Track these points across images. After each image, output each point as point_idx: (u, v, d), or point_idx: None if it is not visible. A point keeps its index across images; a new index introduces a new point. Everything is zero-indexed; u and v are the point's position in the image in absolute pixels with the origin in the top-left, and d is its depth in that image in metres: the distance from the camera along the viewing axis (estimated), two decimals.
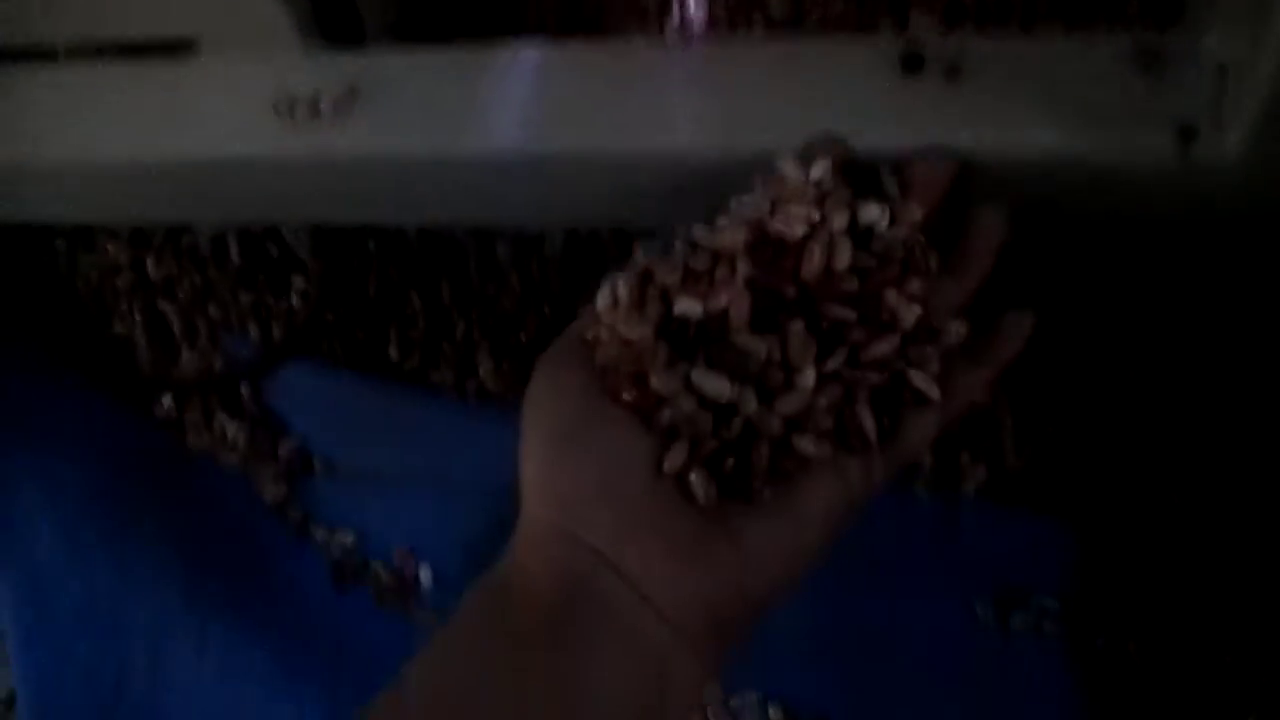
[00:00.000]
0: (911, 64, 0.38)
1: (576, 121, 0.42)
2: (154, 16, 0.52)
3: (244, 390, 0.67)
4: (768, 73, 0.40)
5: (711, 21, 0.59)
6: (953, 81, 0.38)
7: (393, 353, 0.63)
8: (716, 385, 0.35)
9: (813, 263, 0.36)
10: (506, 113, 0.43)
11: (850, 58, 0.39)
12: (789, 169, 0.38)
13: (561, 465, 0.35)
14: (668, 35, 0.58)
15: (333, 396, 0.64)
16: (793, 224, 0.36)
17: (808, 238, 0.36)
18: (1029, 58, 0.38)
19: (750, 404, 0.35)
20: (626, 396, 0.36)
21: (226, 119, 0.48)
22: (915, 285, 0.37)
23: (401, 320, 0.63)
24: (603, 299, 0.38)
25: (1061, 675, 0.48)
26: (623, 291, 0.37)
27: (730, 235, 0.37)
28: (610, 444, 0.35)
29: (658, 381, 0.35)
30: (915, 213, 0.37)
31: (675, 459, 0.35)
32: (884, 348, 0.36)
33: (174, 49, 0.52)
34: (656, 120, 0.41)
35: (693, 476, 0.35)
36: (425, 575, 0.58)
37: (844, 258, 0.36)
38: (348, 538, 0.60)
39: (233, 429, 0.66)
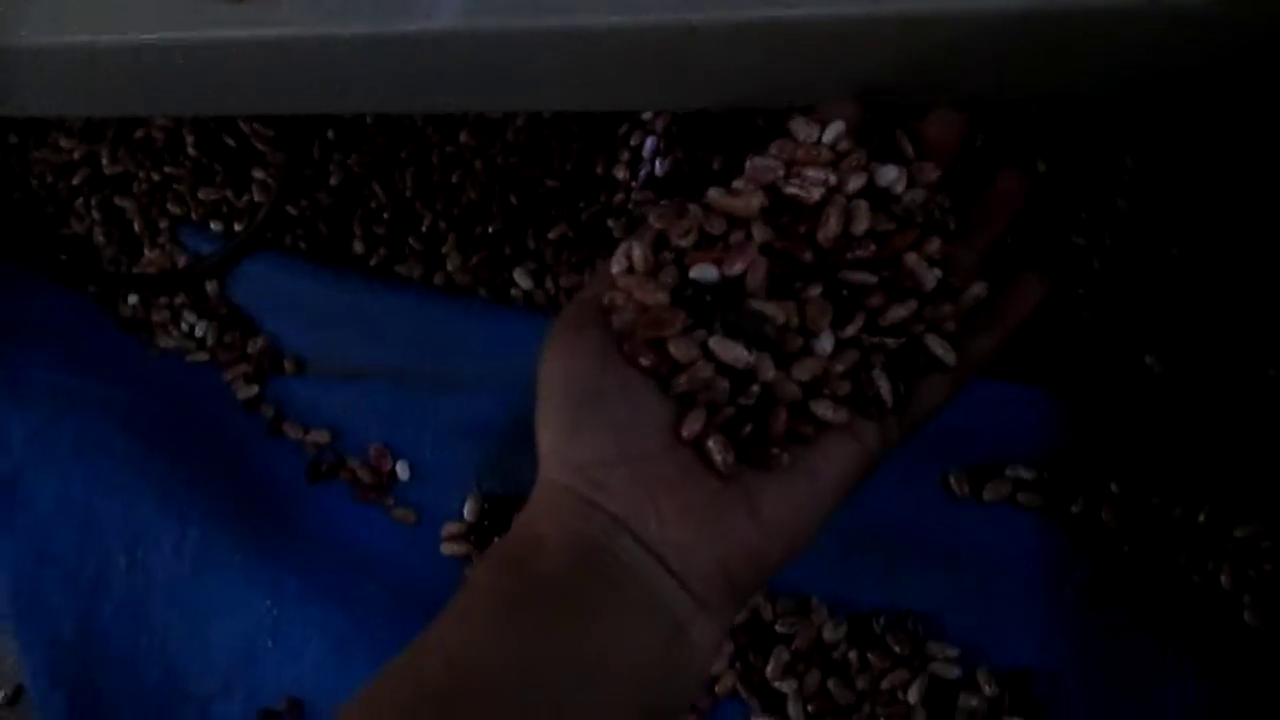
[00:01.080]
0: None
1: None
2: None
3: (210, 288, 0.65)
4: None
5: None
6: None
7: (358, 246, 0.61)
8: (734, 352, 0.35)
9: (830, 227, 0.36)
10: None
11: None
12: (802, 130, 0.38)
13: (578, 431, 0.35)
14: None
15: (300, 292, 0.62)
16: (809, 187, 0.36)
17: (824, 201, 0.36)
18: None
19: (768, 370, 0.35)
20: (644, 361, 0.36)
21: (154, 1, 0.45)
22: (934, 247, 0.36)
23: (366, 213, 0.61)
24: (618, 263, 0.38)
25: (1033, 545, 0.49)
26: (638, 256, 0.37)
27: (745, 199, 0.37)
28: (627, 409, 0.35)
29: (675, 348, 0.35)
30: (931, 172, 0.37)
31: (693, 425, 0.35)
32: (902, 312, 0.36)
33: None
34: None
35: (710, 442, 0.35)
36: (402, 469, 0.58)
37: (862, 222, 0.36)
38: (322, 436, 0.60)
39: (201, 327, 0.65)
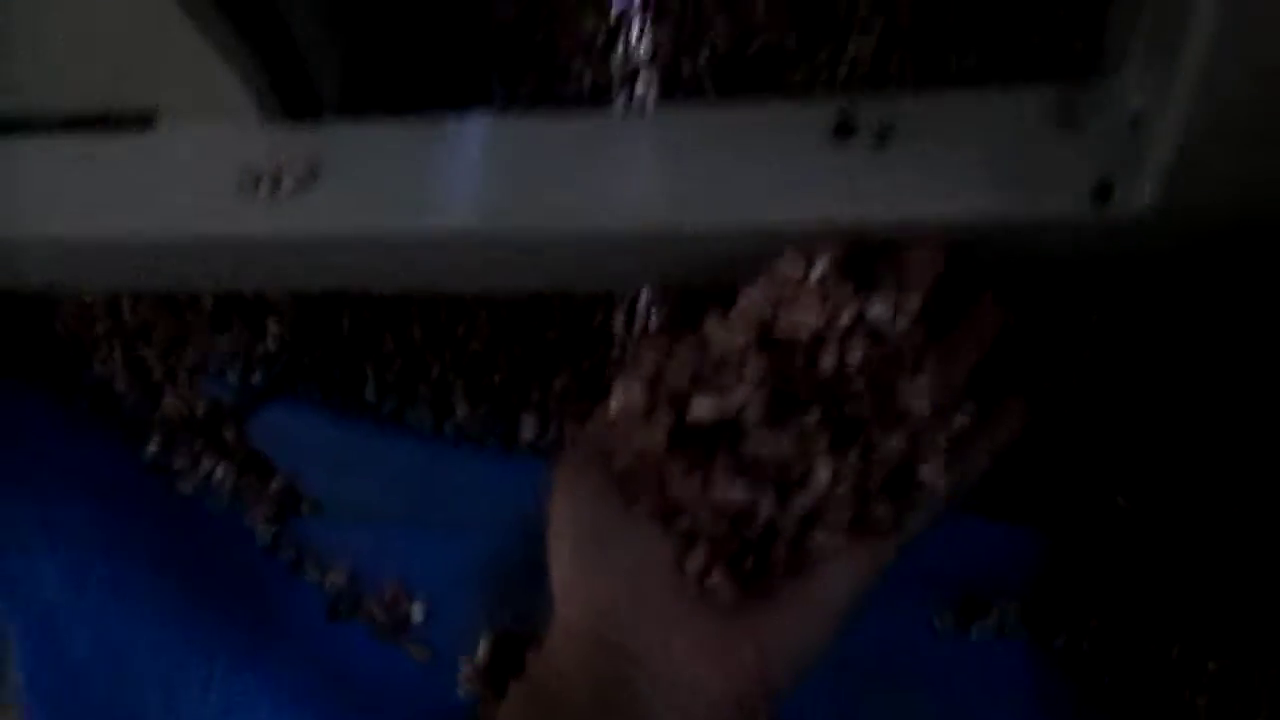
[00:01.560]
0: (843, 130, 0.40)
1: (527, 198, 0.43)
2: (112, 89, 0.53)
3: (228, 432, 0.68)
4: (705, 144, 0.41)
5: (657, 52, 0.61)
6: (882, 146, 0.40)
7: (370, 394, 0.64)
8: (734, 491, 0.36)
9: (826, 361, 0.37)
10: (462, 188, 0.45)
11: (784, 125, 0.41)
12: (790, 266, 0.38)
13: (587, 572, 0.38)
14: (614, 75, 0.60)
15: (316, 436, 0.66)
16: (800, 326, 0.37)
17: (818, 337, 0.37)
18: (956, 118, 0.40)
19: (767, 506, 0.36)
20: (646, 503, 0.37)
21: (189, 196, 0.49)
22: (924, 377, 0.37)
23: (377, 362, 0.65)
24: (615, 404, 0.39)
25: (1023, 678, 0.51)
26: (634, 397, 0.38)
27: (737, 335, 0.38)
28: (633, 549, 0.37)
29: (676, 489, 0.37)
30: (915, 301, 0.38)
31: (696, 561, 0.36)
32: (896, 441, 0.37)
33: (133, 122, 0.53)
34: (603, 195, 0.42)
35: (714, 577, 0.36)
36: (418, 610, 0.61)
37: (856, 355, 0.37)
38: (340, 575, 0.63)
39: (220, 471, 0.68)
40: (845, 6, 0.57)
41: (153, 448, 0.70)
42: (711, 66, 0.59)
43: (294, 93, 0.50)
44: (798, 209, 0.39)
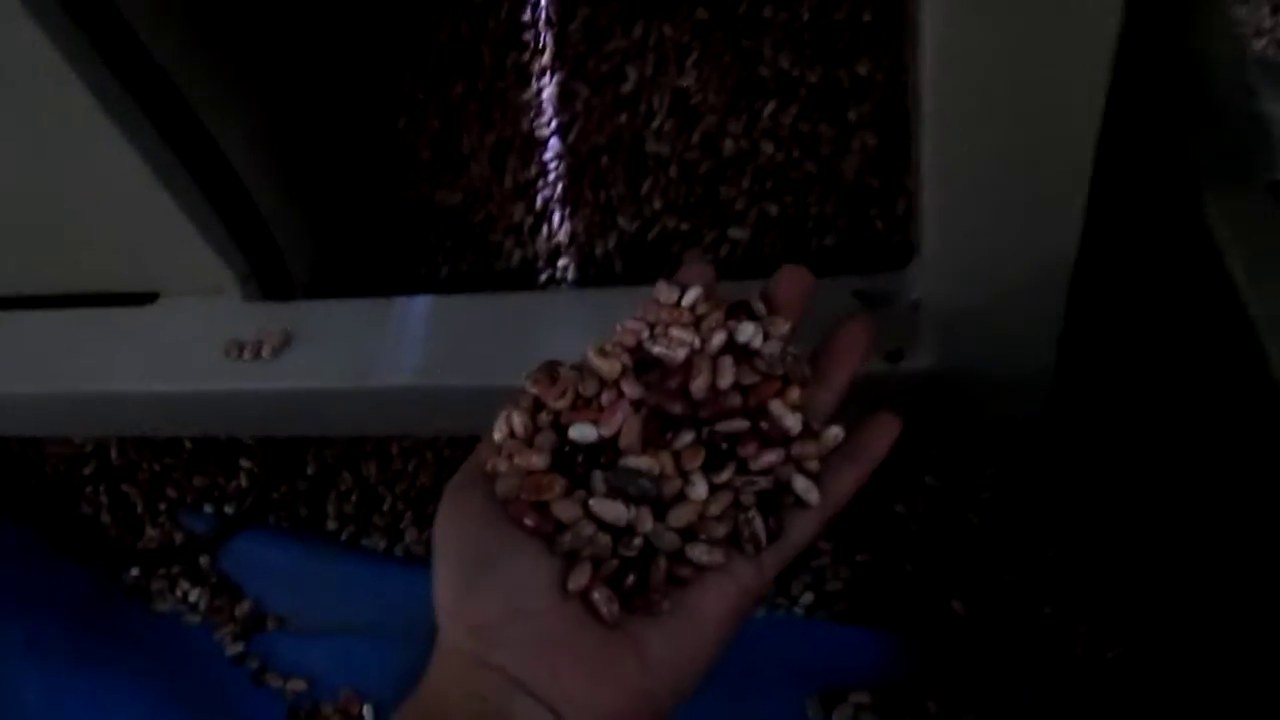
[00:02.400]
0: None
1: (464, 360, 0.55)
2: (122, 273, 0.64)
3: (202, 560, 0.78)
4: (600, 316, 0.53)
5: (574, 236, 0.74)
6: None
7: (330, 524, 0.74)
8: (614, 510, 0.37)
9: (700, 381, 0.39)
10: (409, 352, 0.56)
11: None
12: (664, 294, 0.42)
13: (471, 592, 0.37)
14: (540, 254, 0.73)
15: (281, 562, 0.75)
16: (674, 347, 0.40)
17: (690, 359, 0.39)
18: None
19: (646, 524, 0.38)
20: (528, 523, 0.38)
21: (183, 359, 0.60)
22: (795, 394, 0.40)
23: (337, 495, 0.75)
24: (499, 430, 0.40)
25: None
26: (517, 422, 0.40)
27: (614, 361, 0.40)
28: (516, 569, 0.37)
29: (557, 509, 0.38)
30: (783, 326, 0.41)
31: (578, 580, 0.37)
32: (771, 457, 0.38)
33: (137, 299, 0.65)
34: (519, 360, 0.54)
35: (596, 595, 0.37)
36: (368, 712, 0.69)
37: (727, 376, 0.39)
38: (300, 684, 0.71)
39: (194, 594, 0.77)
40: (726, 201, 0.71)
41: (133, 573, 0.79)
42: (619, 247, 0.72)
43: (272, 278, 0.62)
44: None
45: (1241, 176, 0.41)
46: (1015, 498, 0.64)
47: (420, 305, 0.58)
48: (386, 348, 0.56)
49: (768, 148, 0.72)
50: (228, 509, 0.78)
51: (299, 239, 0.65)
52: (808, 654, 0.51)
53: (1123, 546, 0.60)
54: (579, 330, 0.54)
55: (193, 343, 0.60)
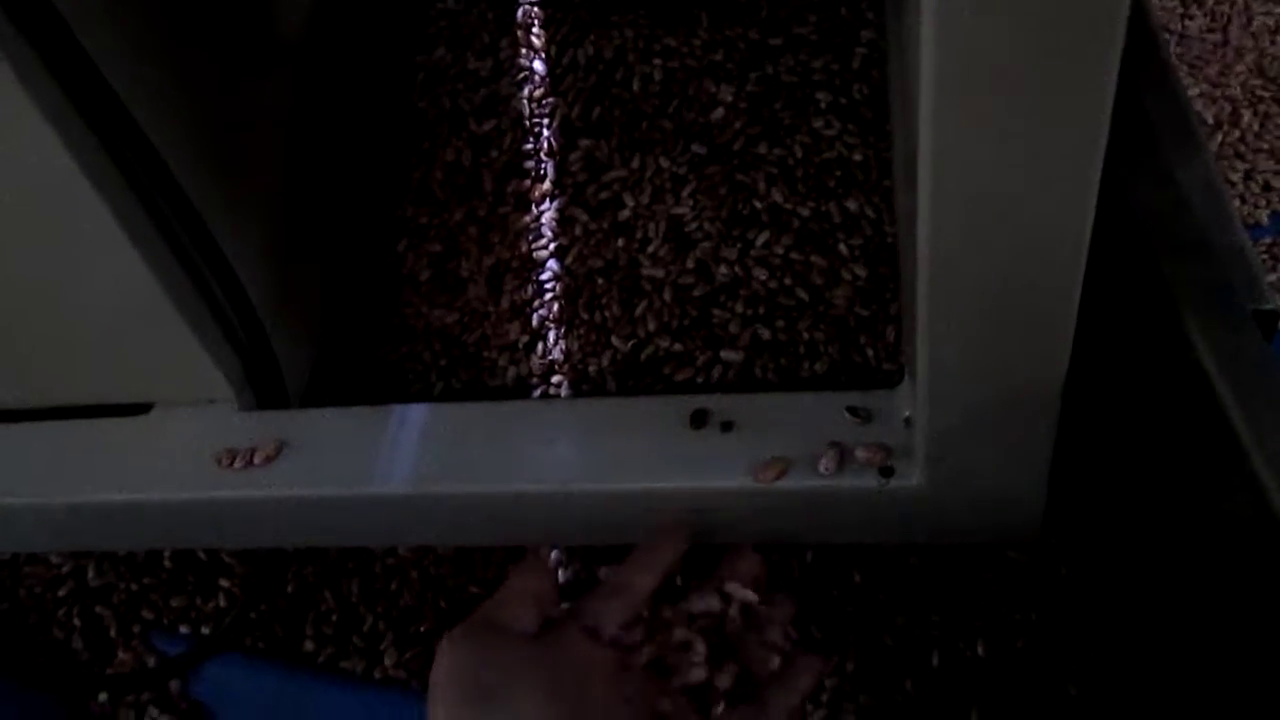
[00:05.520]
0: (697, 419, 0.53)
1: (459, 467, 0.55)
2: (117, 384, 0.64)
3: (173, 686, 0.75)
4: (590, 428, 0.53)
5: (569, 356, 0.75)
6: (728, 432, 0.52)
7: (308, 645, 0.72)
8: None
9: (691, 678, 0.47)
10: (401, 461, 0.56)
11: (651, 415, 0.53)
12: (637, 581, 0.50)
13: None
14: (534, 372, 0.74)
15: (255, 687, 0.72)
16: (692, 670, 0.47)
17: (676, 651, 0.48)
18: (784, 413, 0.53)
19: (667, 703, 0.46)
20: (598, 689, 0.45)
21: (178, 467, 0.60)
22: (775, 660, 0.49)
23: (316, 615, 0.73)
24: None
25: None
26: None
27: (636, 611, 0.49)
28: (512, 713, 0.41)
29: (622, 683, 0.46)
30: (745, 593, 0.49)
31: None
32: (723, 682, 0.47)
33: (133, 409, 0.64)
34: (514, 465, 0.54)
35: None
36: None
37: (727, 679, 0.47)
38: None
39: None
40: (719, 324, 0.72)
41: (101, 698, 0.76)
42: (613, 366, 0.73)
43: (268, 388, 0.62)
44: (661, 479, 0.51)
45: (1226, 307, 0.42)
46: (1014, 625, 0.63)
47: (415, 414, 0.58)
48: (381, 455, 0.56)
49: (760, 275, 0.73)
50: (205, 630, 0.75)
51: (296, 350, 0.65)
52: None
53: (1128, 672, 0.58)
54: (573, 439, 0.54)
55: (185, 451, 0.60)
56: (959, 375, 0.43)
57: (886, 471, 0.49)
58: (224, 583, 0.77)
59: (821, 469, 0.49)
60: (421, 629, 0.71)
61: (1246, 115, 0.94)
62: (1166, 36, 0.88)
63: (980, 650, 0.61)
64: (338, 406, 0.63)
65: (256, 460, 0.58)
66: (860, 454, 0.50)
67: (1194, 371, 0.40)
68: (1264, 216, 0.89)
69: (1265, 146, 0.92)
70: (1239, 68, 0.97)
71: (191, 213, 0.54)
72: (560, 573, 0.69)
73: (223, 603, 0.76)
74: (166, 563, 0.79)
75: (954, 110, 0.33)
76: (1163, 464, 0.48)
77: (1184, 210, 0.46)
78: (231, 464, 0.58)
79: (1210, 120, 0.94)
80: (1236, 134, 0.94)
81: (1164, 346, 0.43)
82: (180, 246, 0.55)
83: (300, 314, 0.67)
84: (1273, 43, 0.99)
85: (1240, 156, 0.92)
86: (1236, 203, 0.86)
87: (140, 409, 0.63)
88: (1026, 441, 0.45)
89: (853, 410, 0.52)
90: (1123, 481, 0.53)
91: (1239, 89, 0.96)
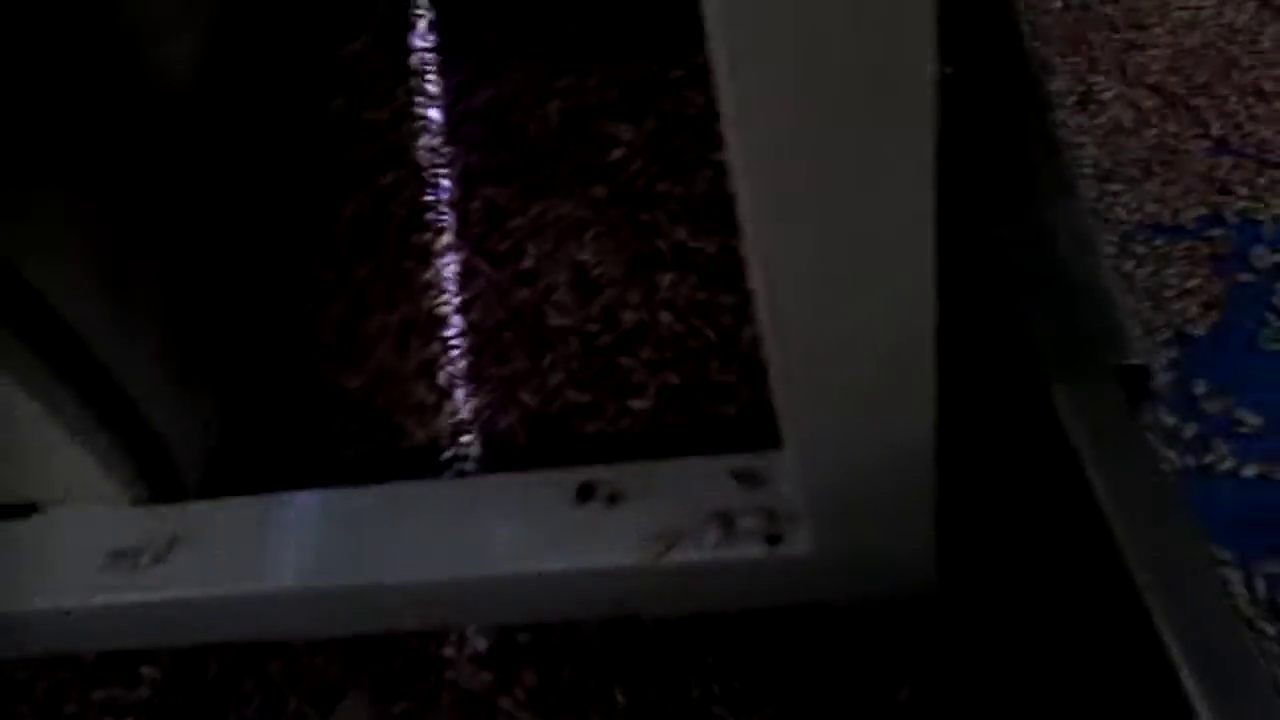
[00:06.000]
0: (584, 493, 0.51)
1: (338, 562, 0.53)
2: (3, 485, 0.63)
3: None
4: (478, 509, 0.52)
5: (478, 414, 0.73)
6: (614, 505, 0.51)
7: None
8: None
9: None
10: (293, 554, 0.55)
11: (535, 491, 0.52)
12: None
13: None
14: (443, 433, 0.72)
15: None
16: None
17: None
18: (671, 481, 0.51)
19: None
20: None
21: (64, 572, 0.58)
22: None
23: (238, 700, 0.71)
24: None
25: None
26: None
27: None
28: None
29: None
30: None
31: None
32: None
33: (18, 510, 0.63)
34: (404, 554, 0.53)
35: None
36: None
37: None
38: None
39: None
40: (626, 371, 0.71)
41: None
42: (522, 422, 0.72)
43: (159, 481, 0.60)
44: (548, 561, 0.50)
45: (1088, 364, 0.41)
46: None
47: (310, 501, 0.57)
48: (272, 548, 0.55)
49: (666, 318, 0.72)
50: None
51: (191, 437, 0.63)
52: None
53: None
54: (461, 522, 0.53)
55: (73, 554, 0.58)
56: (827, 442, 0.42)
57: (773, 539, 0.48)
58: (147, 670, 0.75)
59: (706, 542, 0.48)
60: (348, 704, 0.69)
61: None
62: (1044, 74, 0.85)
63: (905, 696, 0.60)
64: (242, 490, 0.61)
65: (144, 560, 0.57)
66: (746, 522, 0.49)
67: (1058, 432, 0.39)
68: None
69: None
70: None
71: (67, 331, 0.53)
72: None
73: (146, 693, 0.74)
74: (89, 657, 0.77)
75: (769, 188, 0.32)
76: (1034, 523, 0.47)
77: (1053, 262, 0.45)
78: (121, 564, 0.57)
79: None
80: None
81: (1031, 408, 0.42)
82: (59, 362, 0.54)
83: (195, 399, 0.65)
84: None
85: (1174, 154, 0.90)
86: (1156, 207, 0.85)
87: (25, 510, 0.61)
88: (906, 500, 0.44)
89: (737, 475, 0.50)
90: (1004, 537, 0.52)
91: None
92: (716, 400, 0.69)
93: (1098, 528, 0.38)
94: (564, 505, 0.52)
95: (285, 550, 0.55)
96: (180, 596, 0.55)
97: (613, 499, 0.51)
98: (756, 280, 0.35)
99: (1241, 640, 0.37)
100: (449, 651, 0.69)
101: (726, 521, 0.49)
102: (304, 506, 0.57)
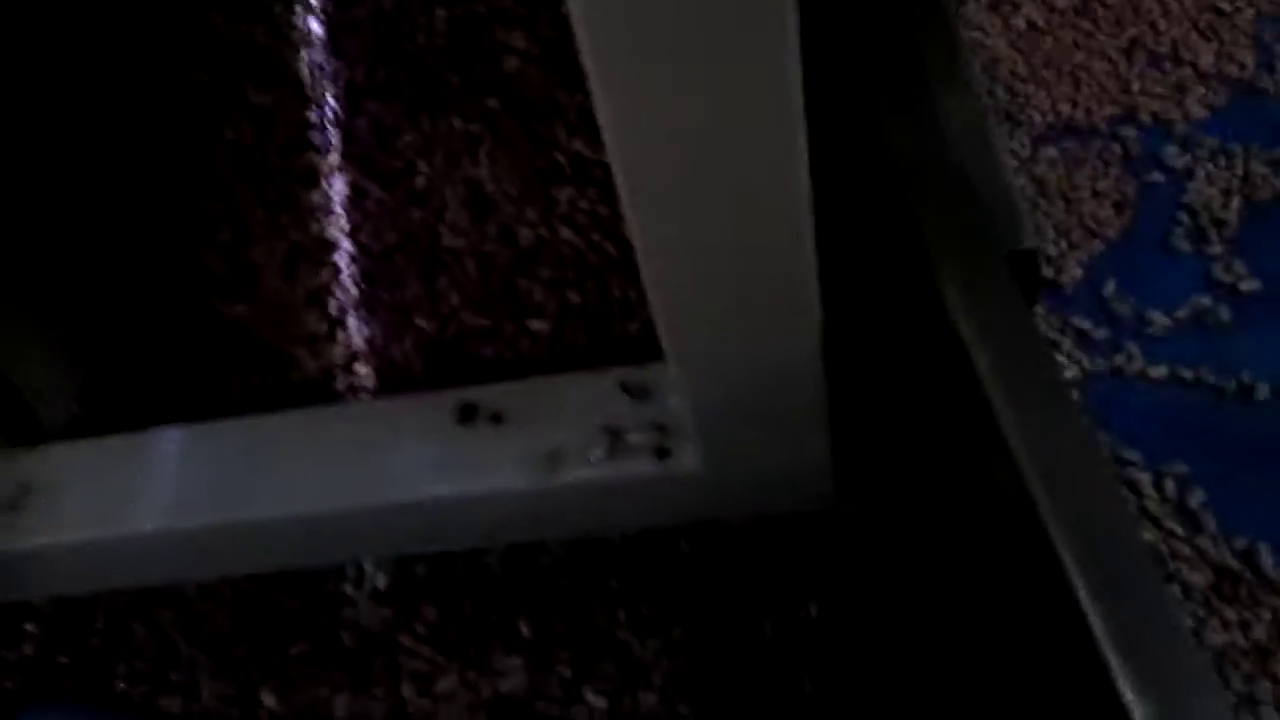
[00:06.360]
0: (466, 414, 0.48)
1: (211, 496, 0.50)
2: None
3: None
4: (355, 438, 0.49)
5: (370, 340, 0.69)
6: (499, 424, 0.48)
7: (120, 684, 0.67)
8: None
9: None
10: (157, 495, 0.51)
11: (417, 413, 0.49)
12: None
13: None
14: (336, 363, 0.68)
15: None
16: None
17: None
18: (555, 398, 0.48)
19: None
20: None
21: None
22: None
23: (129, 651, 0.68)
24: None
25: None
26: None
27: None
28: None
29: None
30: None
31: None
32: None
33: None
34: (279, 486, 0.49)
35: None
36: None
37: None
38: None
39: None
40: (525, 292, 0.67)
41: None
42: (418, 348, 0.68)
43: (13, 424, 0.56)
44: (430, 487, 0.47)
45: (979, 249, 0.39)
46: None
47: (175, 437, 0.53)
48: (131, 490, 0.51)
49: (566, 234, 0.69)
50: (9, 684, 0.70)
51: (52, 379, 0.59)
52: None
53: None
54: (337, 452, 0.49)
55: None
56: (708, 358, 0.39)
57: (663, 453, 0.46)
58: (29, 627, 0.71)
59: (592, 458, 0.45)
60: (239, 652, 0.66)
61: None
62: None
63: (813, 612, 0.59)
64: (119, 429, 0.57)
65: None
66: (634, 437, 0.46)
67: (949, 331, 0.37)
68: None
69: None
70: None
71: None
72: None
73: (28, 650, 0.70)
74: None
75: (623, 94, 0.29)
76: (929, 428, 0.45)
77: (945, 152, 0.42)
78: None
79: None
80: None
81: (920, 300, 0.39)
82: None
83: (60, 336, 0.60)
84: None
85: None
86: (1068, 108, 0.83)
87: None
88: (795, 413, 0.42)
89: (627, 388, 0.47)
90: (900, 445, 0.50)
91: None
92: (619, 318, 0.66)
93: (988, 426, 0.36)
94: (446, 428, 0.48)
95: (151, 490, 0.51)
96: (28, 547, 0.52)
97: (496, 418, 0.48)
98: (622, 193, 0.32)
99: (1132, 536, 0.36)
100: (348, 589, 0.66)
101: (615, 436, 0.46)
102: (170, 442, 0.53)
